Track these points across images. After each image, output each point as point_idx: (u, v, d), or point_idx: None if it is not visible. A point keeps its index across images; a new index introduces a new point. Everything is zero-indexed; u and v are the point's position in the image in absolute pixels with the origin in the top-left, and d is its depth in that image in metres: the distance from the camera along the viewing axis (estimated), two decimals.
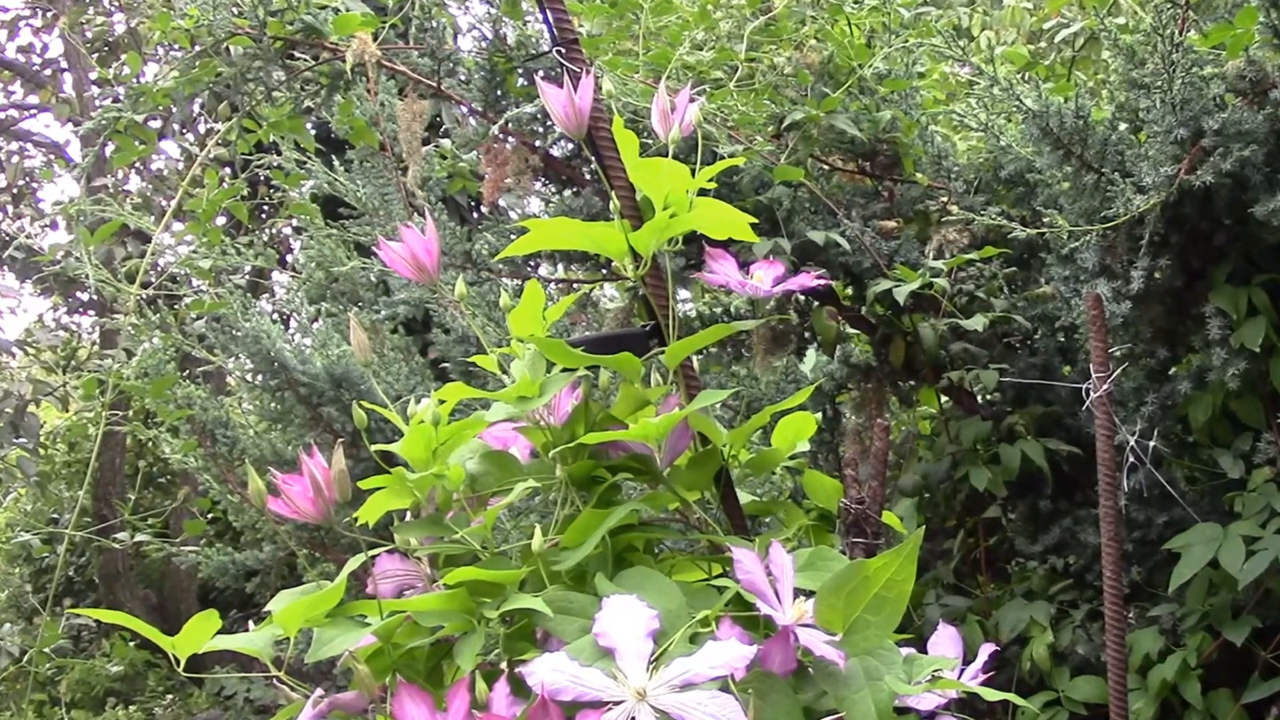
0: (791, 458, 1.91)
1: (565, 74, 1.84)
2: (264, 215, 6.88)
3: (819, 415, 3.97)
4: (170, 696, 8.42)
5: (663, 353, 1.72)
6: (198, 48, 3.69)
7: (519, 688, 1.41)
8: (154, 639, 1.51)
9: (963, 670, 1.66)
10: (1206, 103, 2.90)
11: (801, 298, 3.74)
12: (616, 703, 1.29)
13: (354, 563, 1.59)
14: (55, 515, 9.20)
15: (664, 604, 1.42)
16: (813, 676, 1.48)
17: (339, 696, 1.52)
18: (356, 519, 1.68)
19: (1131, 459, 3.18)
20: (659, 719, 1.27)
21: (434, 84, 3.76)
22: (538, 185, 4.00)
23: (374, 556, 1.64)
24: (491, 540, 1.64)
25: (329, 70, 3.82)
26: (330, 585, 1.51)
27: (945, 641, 1.69)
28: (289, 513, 1.55)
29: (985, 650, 1.70)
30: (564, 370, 1.69)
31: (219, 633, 1.51)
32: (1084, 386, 2.90)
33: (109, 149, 4.15)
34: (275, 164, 4.39)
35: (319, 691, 1.52)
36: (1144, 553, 3.37)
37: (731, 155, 3.35)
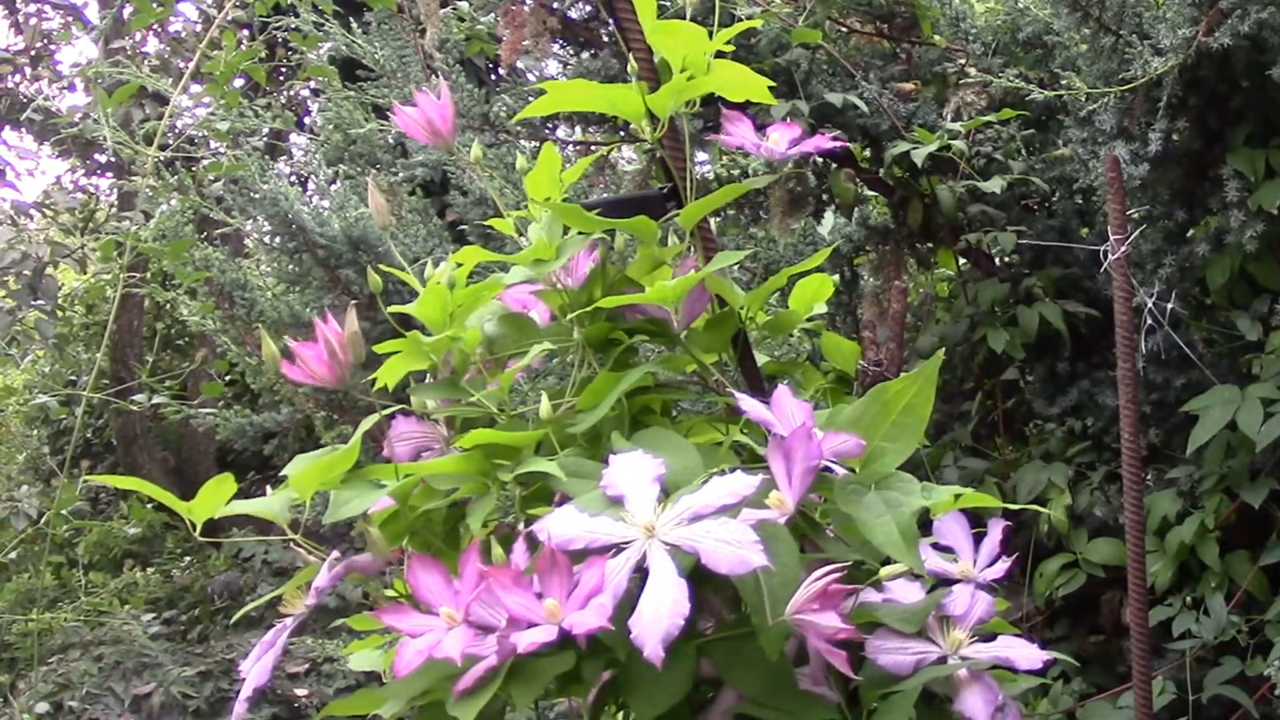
0: (809, 320, 1.91)
1: None
2: (282, 77, 6.85)
3: (836, 278, 3.97)
4: (188, 559, 8.46)
5: (680, 214, 1.72)
6: None
7: (536, 547, 1.42)
8: (169, 504, 1.52)
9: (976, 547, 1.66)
10: None
11: (819, 160, 3.73)
12: (627, 543, 1.30)
13: (367, 423, 1.59)
14: (73, 377, 9.21)
15: (679, 461, 1.43)
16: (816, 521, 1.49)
17: (355, 559, 1.53)
18: (374, 382, 1.68)
19: (1149, 321, 3.18)
20: (670, 552, 1.28)
21: None
22: (555, 47, 3.98)
23: (389, 417, 1.65)
24: (508, 403, 1.65)
25: None
26: (344, 447, 1.51)
27: (952, 528, 1.68)
28: (304, 378, 1.55)
29: (996, 527, 1.68)
30: (580, 233, 1.69)
31: (236, 495, 1.51)
32: (1102, 249, 2.89)
33: (127, 11, 4.13)
34: (293, 26, 4.37)
35: (335, 554, 1.53)
36: (1162, 415, 3.38)
37: (749, 17, 3.32)
